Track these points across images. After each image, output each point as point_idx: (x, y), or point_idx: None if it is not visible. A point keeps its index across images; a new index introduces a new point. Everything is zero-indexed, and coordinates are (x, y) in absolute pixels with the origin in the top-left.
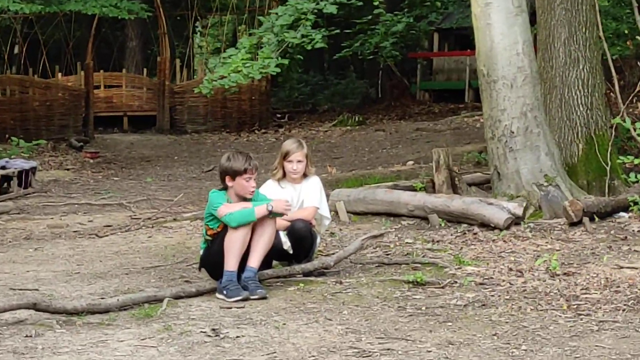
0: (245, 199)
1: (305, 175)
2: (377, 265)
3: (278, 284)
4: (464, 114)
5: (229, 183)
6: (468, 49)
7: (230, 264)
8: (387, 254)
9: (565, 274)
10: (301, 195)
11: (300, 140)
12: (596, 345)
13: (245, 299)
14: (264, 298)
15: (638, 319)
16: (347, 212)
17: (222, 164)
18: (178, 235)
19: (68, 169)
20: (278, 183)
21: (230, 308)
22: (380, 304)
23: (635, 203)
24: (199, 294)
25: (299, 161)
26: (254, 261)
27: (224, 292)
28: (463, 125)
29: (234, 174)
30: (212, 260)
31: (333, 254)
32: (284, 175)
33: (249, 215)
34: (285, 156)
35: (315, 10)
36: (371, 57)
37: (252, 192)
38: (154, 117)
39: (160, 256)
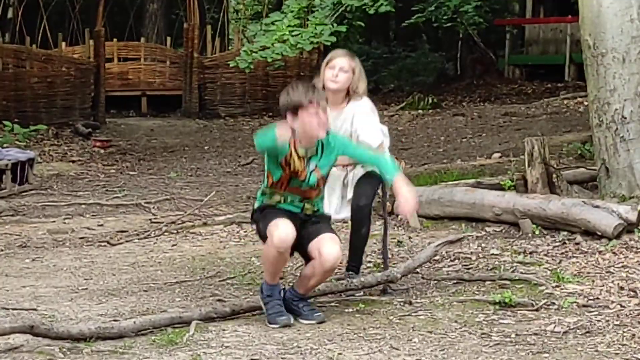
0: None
1: (348, 97)
2: (455, 281)
3: (332, 303)
4: (563, 95)
5: (291, 123)
6: (569, 14)
7: (269, 277)
8: (468, 268)
9: None
10: (345, 123)
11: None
12: None
13: (288, 326)
14: (322, 322)
15: None
16: (419, 215)
17: (281, 100)
18: (209, 243)
19: (73, 161)
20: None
21: (274, 333)
22: (460, 330)
23: None
24: (234, 314)
25: (343, 69)
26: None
27: (264, 310)
28: (562, 109)
29: (295, 108)
30: (261, 231)
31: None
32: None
33: (268, 130)
34: (328, 62)
35: None
36: (449, 24)
37: (324, 129)
38: (179, 97)
39: (186, 269)
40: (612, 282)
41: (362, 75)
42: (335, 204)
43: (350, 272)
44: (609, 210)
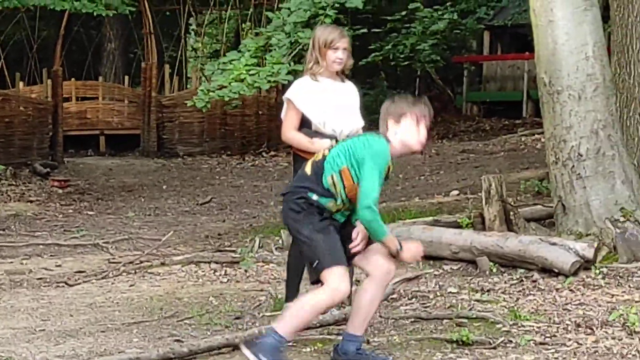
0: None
1: (343, 73)
2: (412, 320)
3: (289, 343)
4: (521, 131)
5: (393, 126)
6: (526, 51)
7: (292, 328)
8: (426, 307)
9: None
10: (340, 98)
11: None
12: None
13: None
14: None
15: None
16: None
17: (386, 107)
18: (167, 283)
19: (31, 201)
20: (313, 78)
21: None
22: None
23: None
24: (192, 355)
25: (345, 49)
26: (360, 326)
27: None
28: (520, 146)
29: (400, 116)
30: (311, 247)
31: None
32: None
33: (382, 231)
34: (330, 44)
35: (337, 5)
36: (406, 62)
37: (424, 144)
38: (137, 136)
39: (144, 309)
40: (569, 319)
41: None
42: None
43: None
44: (566, 247)
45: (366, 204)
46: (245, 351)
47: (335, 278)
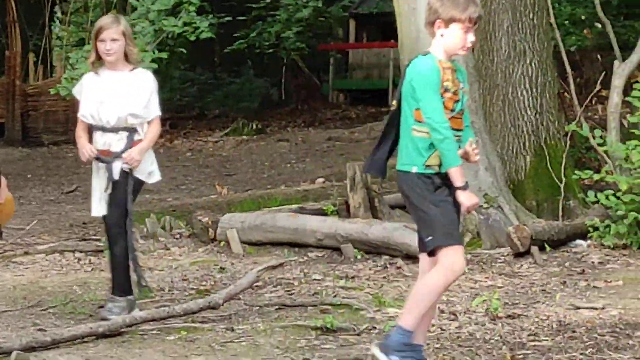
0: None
1: (128, 61)
2: (277, 307)
3: (153, 331)
4: (386, 119)
5: (438, 30)
6: (392, 39)
7: (414, 317)
8: (290, 294)
9: (509, 316)
10: (112, 90)
11: (119, 16)
12: None
13: None
14: None
15: None
16: (241, 242)
17: (438, 7)
18: (30, 272)
19: None
20: (95, 72)
21: None
22: (282, 355)
23: (595, 228)
24: (55, 344)
25: (114, 40)
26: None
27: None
28: None
29: (449, 20)
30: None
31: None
32: (99, 58)
33: (450, 159)
34: (97, 36)
35: None
36: (271, 50)
37: (467, 49)
38: (1, 125)
39: (7, 299)
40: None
41: (132, 36)
42: (98, 197)
43: (112, 296)
44: None
45: (430, 127)
46: (378, 354)
47: (450, 258)
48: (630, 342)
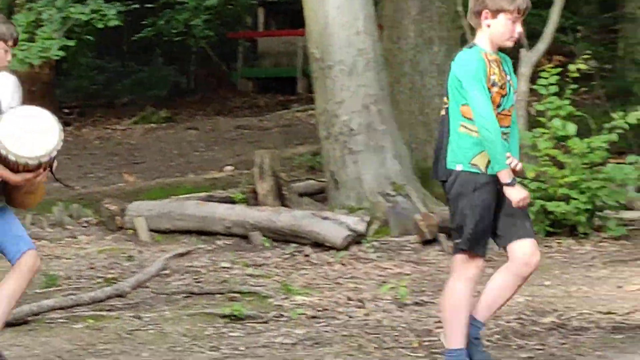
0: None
1: None
2: (185, 295)
3: (60, 319)
4: (295, 108)
5: (484, 21)
6: (301, 27)
7: (457, 337)
8: (198, 282)
9: (416, 303)
10: None
11: None
12: None
13: None
14: None
15: (502, 356)
16: (150, 230)
17: None
18: None
19: None
20: None
21: None
22: (189, 343)
23: None
24: None
25: None
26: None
27: None
28: (295, 122)
29: (497, 10)
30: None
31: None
32: None
33: (497, 159)
34: None
35: None
36: (180, 38)
37: (514, 40)
38: None
39: None
40: (341, 293)
41: None
42: None
43: None
44: (338, 221)
45: (478, 124)
46: None
47: (467, 264)
48: (536, 328)
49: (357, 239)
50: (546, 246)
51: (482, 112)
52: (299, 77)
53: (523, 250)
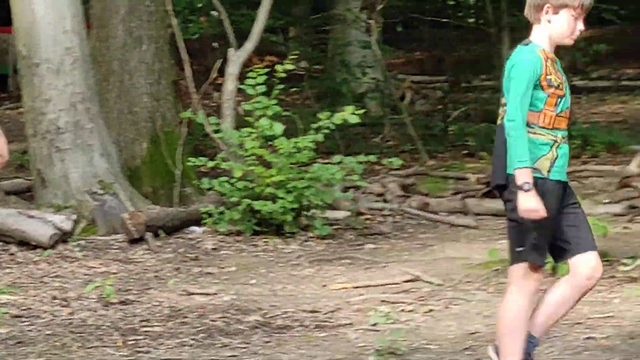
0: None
1: None
2: None
3: None
4: (6, 105)
5: (545, 16)
6: (11, 24)
7: (515, 354)
8: None
9: (122, 302)
10: None
11: None
12: None
13: None
14: None
15: (207, 355)
16: None
17: None
18: None
19: None
20: None
21: None
22: None
23: (210, 215)
24: None
25: None
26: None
27: None
28: (5, 120)
29: (560, 5)
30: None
31: None
32: None
33: (516, 157)
34: None
35: None
36: None
37: (573, 39)
38: None
39: None
40: (46, 292)
41: None
42: None
43: None
44: (44, 220)
45: (506, 117)
46: None
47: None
48: (241, 327)
49: (63, 237)
50: (252, 245)
51: (511, 108)
52: (10, 75)
53: (589, 265)
